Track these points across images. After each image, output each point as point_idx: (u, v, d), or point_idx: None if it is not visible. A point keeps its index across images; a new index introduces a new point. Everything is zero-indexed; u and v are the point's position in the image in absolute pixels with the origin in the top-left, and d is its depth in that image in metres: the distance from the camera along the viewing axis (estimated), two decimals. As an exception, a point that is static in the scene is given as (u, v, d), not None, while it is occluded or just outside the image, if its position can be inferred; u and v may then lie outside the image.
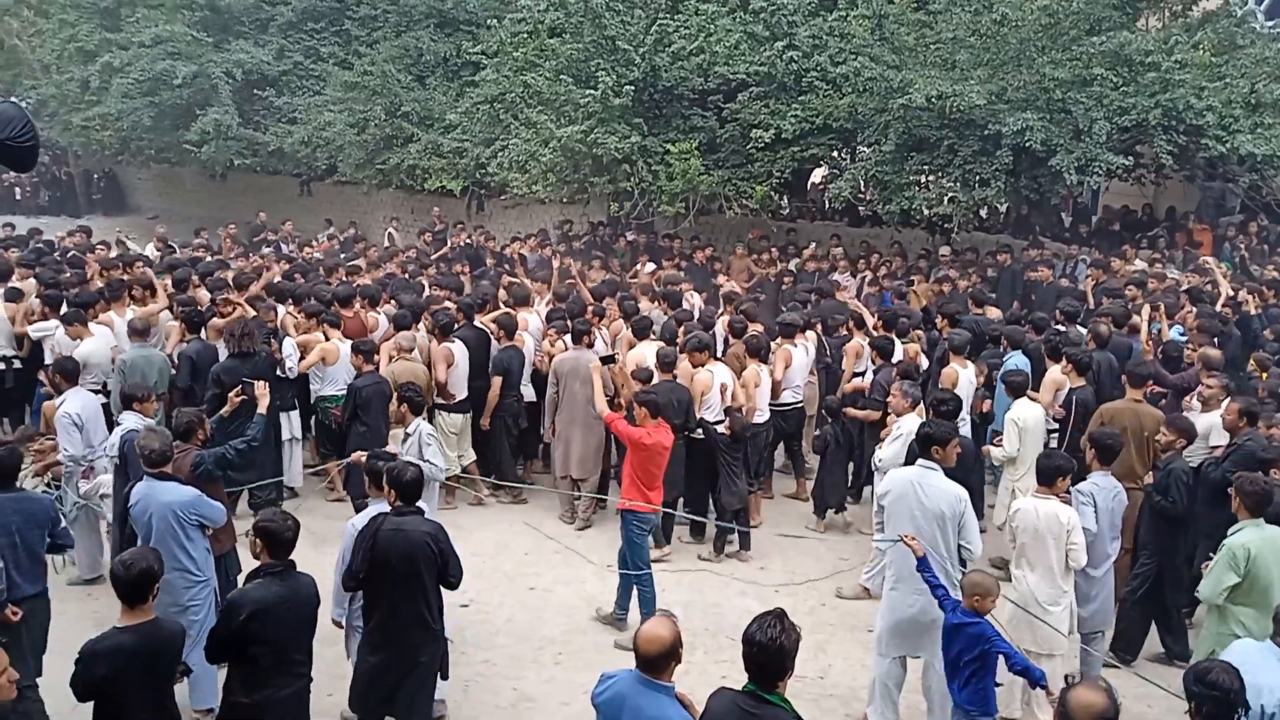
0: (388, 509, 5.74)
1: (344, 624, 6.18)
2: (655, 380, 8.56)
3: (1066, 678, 6.66)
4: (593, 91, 15.08)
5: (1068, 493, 6.62)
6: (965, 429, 8.83)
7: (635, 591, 7.66)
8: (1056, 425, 8.74)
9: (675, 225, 17.47)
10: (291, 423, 9.65)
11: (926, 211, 15.71)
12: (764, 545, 9.31)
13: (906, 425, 7.86)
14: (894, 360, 9.69)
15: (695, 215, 16.76)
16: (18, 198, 29.69)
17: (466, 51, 19.64)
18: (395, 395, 8.07)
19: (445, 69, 21.37)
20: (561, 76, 15.71)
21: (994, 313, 11.54)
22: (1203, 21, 14.68)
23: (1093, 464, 7.02)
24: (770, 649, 3.97)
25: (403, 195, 23.16)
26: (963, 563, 6.18)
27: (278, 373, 9.21)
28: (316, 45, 23.07)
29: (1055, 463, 6.47)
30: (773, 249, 16.09)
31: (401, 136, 20.17)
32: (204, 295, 10.67)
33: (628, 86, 15.19)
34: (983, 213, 16.77)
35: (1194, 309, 10.85)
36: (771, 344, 9.84)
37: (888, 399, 8.56)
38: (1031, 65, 13.57)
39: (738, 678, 4.17)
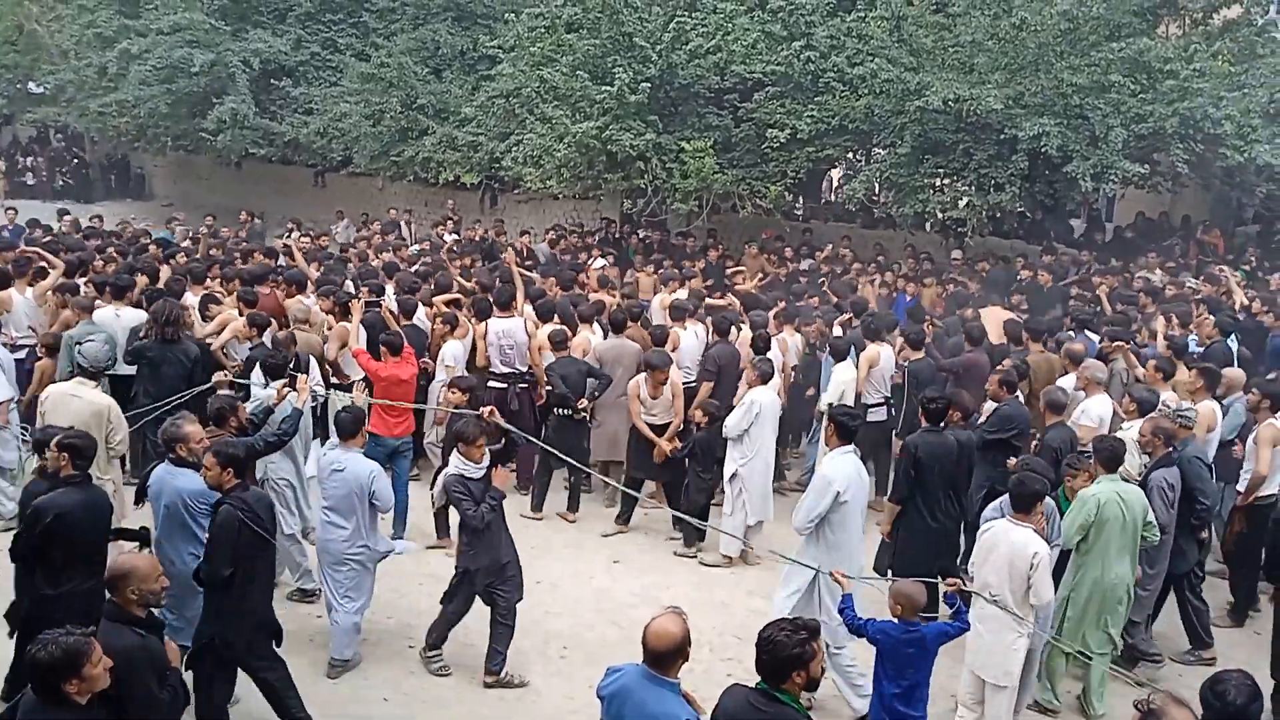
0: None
1: None
2: (553, 358, 9.68)
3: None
4: (609, 88, 15.08)
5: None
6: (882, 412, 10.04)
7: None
8: (884, 400, 9.95)
9: (688, 223, 17.46)
10: None
11: (940, 215, 15.68)
12: (775, 544, 9.27)
13: (753, 396, 8.72)
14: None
15: (708, 214, 16.75)
16: (31, 183, 29.85)
17: (483, 45, 19.65)
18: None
19: (462, 62, 21.38)
20: (578, 72, 15.71)
21: (995, 315, 11.52)
22: (1222, 30, 14.59)
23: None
24: (769, 650, 4.06)
25: (417, 188, 23.18)
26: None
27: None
28: (334, 36, 23.09)
29: (1032, 489, 6.06)
30: (786, 249, 16.08)
31: (417, 129, 20.19)
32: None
33: (644, 83, 15.18)
34: (997, 216, 16.70)
35: (1210, 318, 10.81)
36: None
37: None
38: (1049, 70, 13.52)
39: (743, 677, 4.21)
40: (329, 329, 10.08)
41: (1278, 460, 7.85)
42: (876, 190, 17.90)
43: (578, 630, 7.72)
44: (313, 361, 9.07)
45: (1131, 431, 7.59)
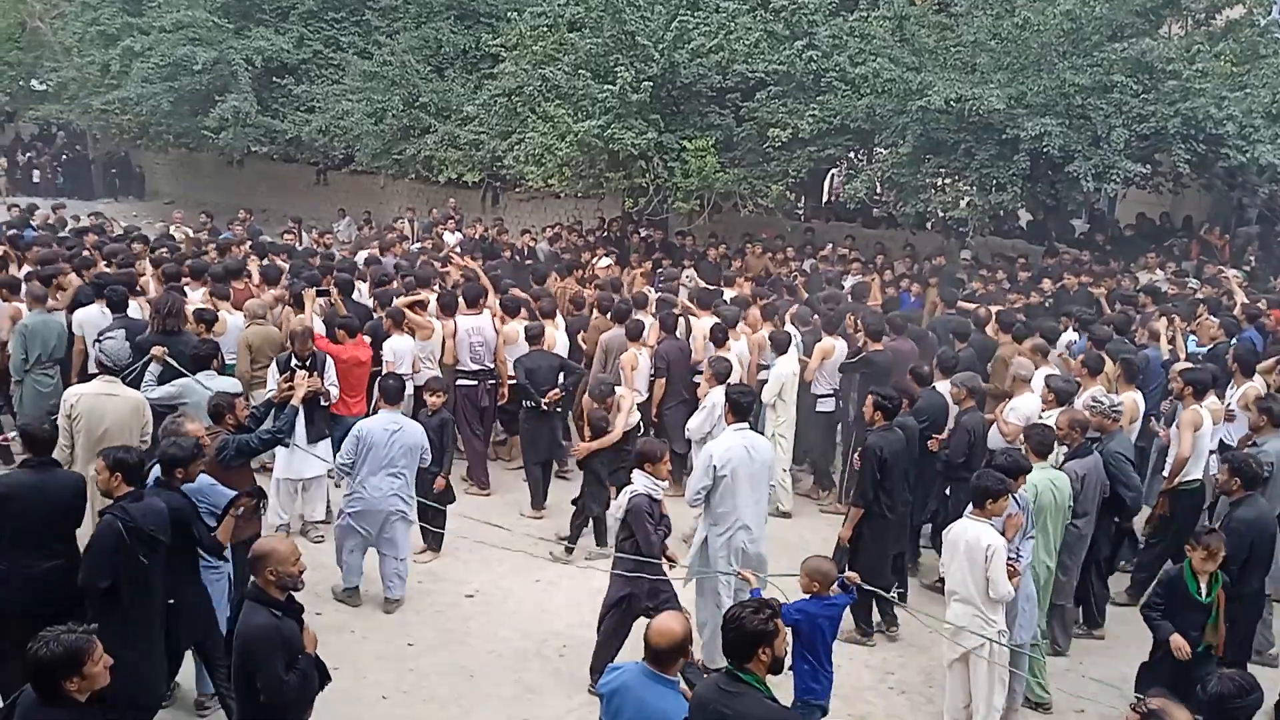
0: None
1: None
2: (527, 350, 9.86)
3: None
4: (611, 87, 15.08)
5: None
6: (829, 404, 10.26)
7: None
8: (833, 392, 10.11)
9: (689, 223, 17.45)
10: None
11: (942, 215, 15.67)
12: (774, 546, 9.27)
13: (714, 398, 8.75)
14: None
15: (710, 213, 16.75)
16: (36, 180, 29.88)
17: (486, 44, 19.63)
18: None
19: (464, 61, 21.38)
20: (580, 71, 15.71)
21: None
22: (1225, 31, 14.57)
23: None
24: (734, 628, 4.08)
25: (419, 186, 23.21)
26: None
27: None
28: (336, 34, 23.09)
29: (983, 484, 6.10)
30: (788, 248, 16.08)
31: (419, 127, 20.20)
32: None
33: (646, 82, 15.17)
34: (999, 216, 16.69)
35: (1212, 319, 10.81)
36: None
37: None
38: (1052, 70, 13.51)
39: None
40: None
41: (1201, 445, 8.11)
42: (878, 190, 17.88)
43: (576, 629, 7.72)
44: (329, 361, 9.13)
45: (1049, 422, 7.67)
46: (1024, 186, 13.88)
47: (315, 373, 8.48)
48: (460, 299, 10.50)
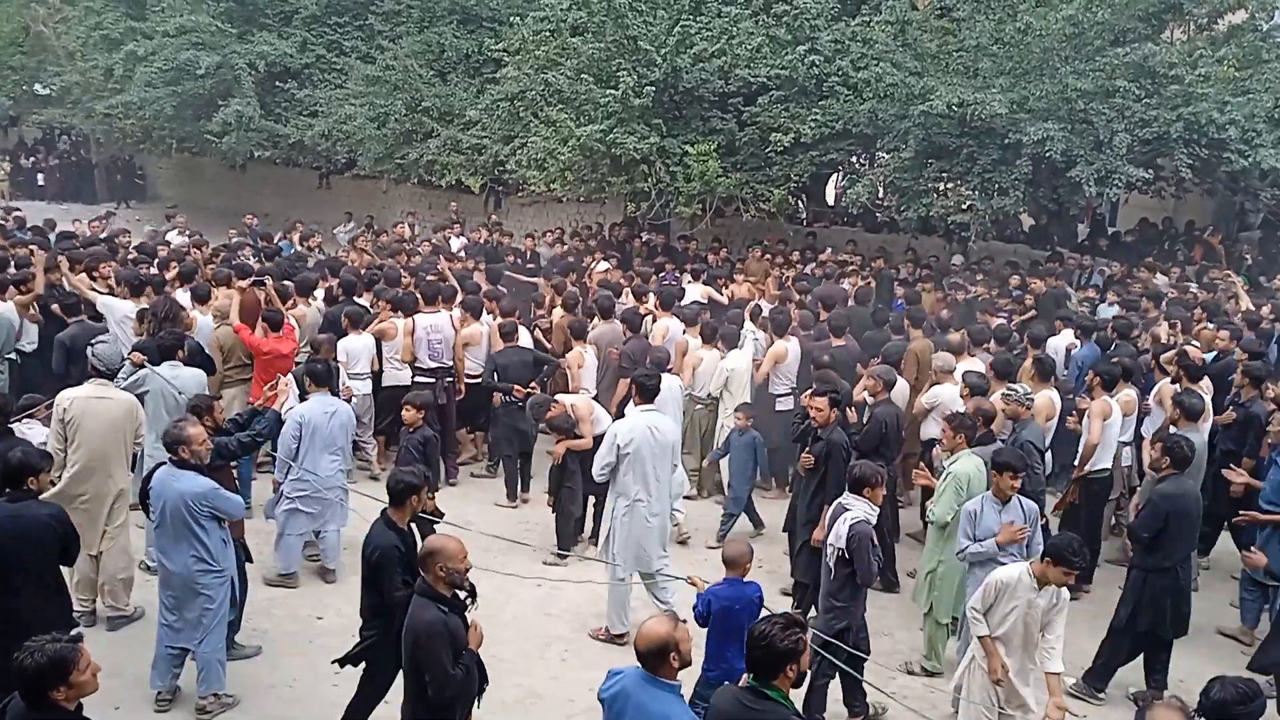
0: None
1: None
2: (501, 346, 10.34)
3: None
4: (613, 91, 15.09)
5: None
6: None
7: None
8: (791, 391, 10.32)
9: (691, 227, 17.46)
10: None
11: (944, 219, 15.65)
12: (776, 550, 9.29)
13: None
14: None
15: (712, 217, 16.75)
16: (40, 183, 29.92)
17: (488, 48, 19.68)
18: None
19: (467, 65, 21.41)
20: (582, 75, 15.72)
21: (997, 322, 11.54)
22: (1227, 35, 14.57)
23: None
24: (763, 645, 4.07)
25: (421, 190, 23.23)
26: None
27: None
28: (339, 39, 23.14)
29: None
30: (791, 253, 16.09)
31: (421, 132, 20.22)
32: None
33: (648, 87, 15.19)
34: (1001, 221, 16.69)
35: (1210, 325, 10.82)
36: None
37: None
38: (1054, 75, 13.50)
39: (747, 679, 4.21)
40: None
41: (1109, 435, 8.49)
42: (881, 194, 17.87)
43: (578, 633, 7.72)
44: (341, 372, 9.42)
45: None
46: (1026, 191, 13.87)
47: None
48: (419, 297, 10.80)
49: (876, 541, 6.31)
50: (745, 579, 5.92)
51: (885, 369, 8.88)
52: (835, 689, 6.53)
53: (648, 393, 7.76)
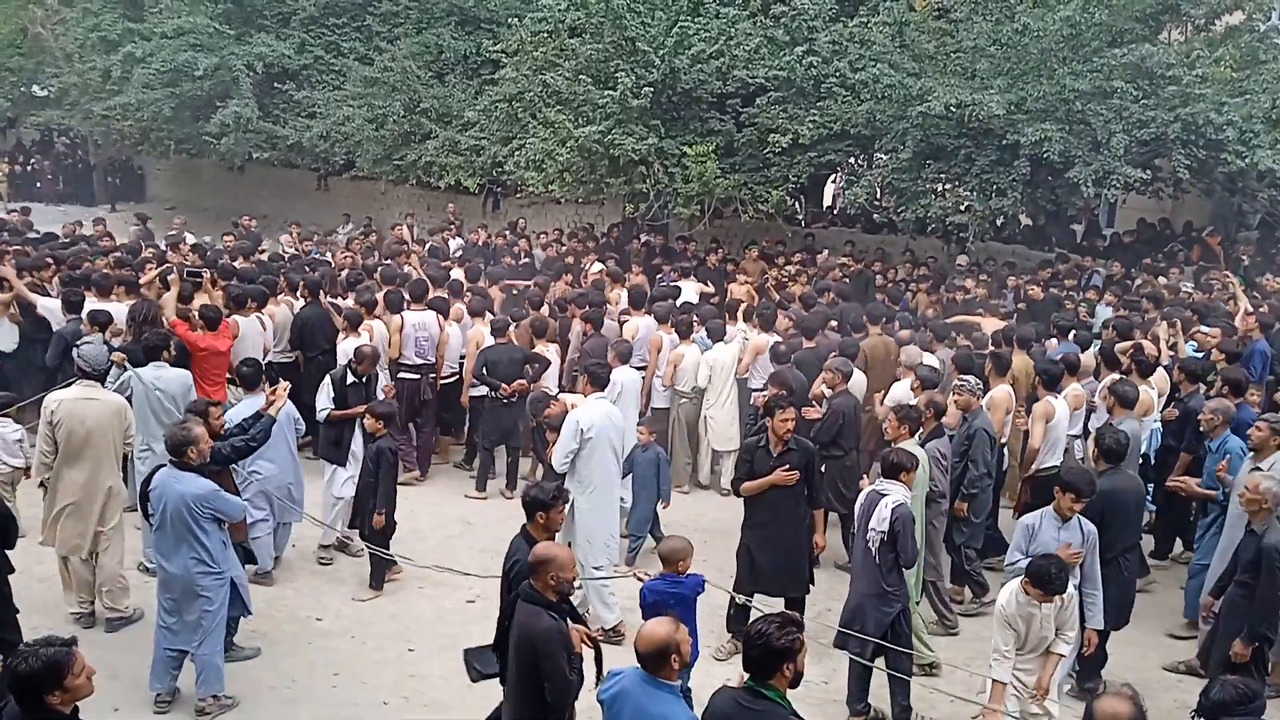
0: None
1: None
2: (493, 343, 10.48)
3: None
4: (611, 92, 15.10)
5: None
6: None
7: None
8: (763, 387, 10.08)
9: (690, 228, 17.46)
10: None
11: (942, 220, 15.66)
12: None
13: (617, 377, 9.24)
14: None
15: (710, 218, 16.76)
16: (38, 185, 29.90)
17: (486, 50, 19.66)
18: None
19: (465, 66, 21.41)
20: (581, 76, 15.72)
21: (990, 324, 11.53)
22: (1225, 36, 14.58)
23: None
24: (760, 644, 4.07)
25: (419, 192, 23.21)
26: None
27: None
28: (337, 40, 23.12)
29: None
30: (795, 253, 16.10)
31: (419, 133, 20.21)
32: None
33: (646, 88, 15.19)
34: (999, 222, 16.71)
35: (1204, 328, 10.83)
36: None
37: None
38: (1052, 76, 13.52)
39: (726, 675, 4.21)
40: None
41: (1055, 433, 8.52)
42: (879, 195, 17.88)
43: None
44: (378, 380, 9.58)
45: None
46: (1024, 192, 13.89)
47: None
48: (405, 295, 10.97)
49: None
50: (684, 574, 6.05)
51: (842, 360, 9.10)
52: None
53: (598, 381, 8.09)
